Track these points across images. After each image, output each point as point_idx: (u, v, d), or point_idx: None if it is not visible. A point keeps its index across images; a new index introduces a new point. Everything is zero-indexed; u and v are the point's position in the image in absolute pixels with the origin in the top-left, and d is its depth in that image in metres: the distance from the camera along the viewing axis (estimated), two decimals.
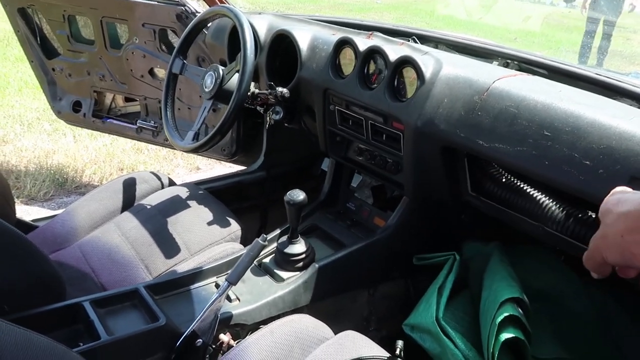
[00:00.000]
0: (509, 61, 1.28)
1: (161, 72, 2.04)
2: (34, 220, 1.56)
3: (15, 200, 2.37)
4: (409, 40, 1.39)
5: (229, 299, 1.13)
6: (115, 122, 2.23)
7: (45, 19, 2.09)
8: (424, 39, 1.43)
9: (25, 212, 2.33)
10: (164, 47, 1.97)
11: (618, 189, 0.63)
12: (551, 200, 1.01)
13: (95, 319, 0.99)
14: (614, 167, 0.81)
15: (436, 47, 1.41)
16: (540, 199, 1.02)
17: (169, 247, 1.34)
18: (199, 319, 1.01)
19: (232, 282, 1.05)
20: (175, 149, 1.94)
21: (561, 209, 0.98)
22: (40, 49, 2.16)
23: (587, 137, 0.86)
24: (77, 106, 2.25)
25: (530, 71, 1.23)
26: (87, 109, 2.23)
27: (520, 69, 1.25)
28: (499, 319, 0.90)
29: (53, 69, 2.21)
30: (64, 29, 2.08)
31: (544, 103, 0.93)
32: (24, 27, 2.12)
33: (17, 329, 0.65)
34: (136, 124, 2.17)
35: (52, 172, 2.68)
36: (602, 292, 1.13)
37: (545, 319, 1.06)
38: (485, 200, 1.13)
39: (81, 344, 0.93)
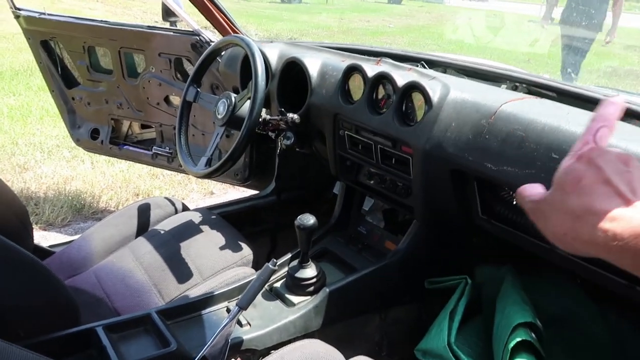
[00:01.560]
0: (517, 84, 1.28)
1: (176, 100, 2.09)
2: (51, 246, 1.60)
3: (34, 226, 2.43)
4: (417, 66, 1.41)
5: (240, 323, 1.14)
6: (131, 148, 2.28)
7: (66, 50, 2.17)
8: (432, 64, 1.45)
9: (43, 237, 2.38)
10: (179, 75, 2.02)
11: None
12: None
13: (107, 345, 1.00)
14: None
15: (444, 72, 1.42)
16: None
17: (182, 272, 1.35)
18: (209, 344, 1.02)
19: (243, 307, 1.06)
20: (189, 174, 1.98)
21: None
22: (61, 78, 2.24)
23: None
24: (95, 133, 2.31)
25: (539, 94, 1.23)
26: (104, 136, 2.28)
27: (530, 92, 1.25)
28: (512, 344, 0.89)
29: (73, 98, 2.28)
30: (83, 60, 2.15)
31: (552, 125, 0.93)
32: (46, 59, 2.20)
33: (31, 355, 0.66)
34: (152, 150, 2.22)
35: (70, 198, 2.73)
36: (617, 316, 1.11)
37: (560, 343, 1.04)
38: (496, 224, 1.12)
39: None
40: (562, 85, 1.21)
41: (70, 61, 2.21)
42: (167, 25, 2.01)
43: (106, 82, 2.16)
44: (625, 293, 0.92)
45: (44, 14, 2.08)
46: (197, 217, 1.54)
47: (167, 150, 2.19)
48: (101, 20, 2.06)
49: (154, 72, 2.05)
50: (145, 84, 2.08)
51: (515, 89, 1.28)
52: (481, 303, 1.20)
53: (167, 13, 1.92)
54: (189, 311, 1.17)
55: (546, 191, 0.51)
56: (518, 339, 0.90)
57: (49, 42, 2.17)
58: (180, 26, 2.02)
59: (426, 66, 1.43)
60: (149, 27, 2.00)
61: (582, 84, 1.40)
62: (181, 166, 2.09)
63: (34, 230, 1.43)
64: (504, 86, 1.29)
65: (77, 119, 2.34)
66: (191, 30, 1.89)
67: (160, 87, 2.07)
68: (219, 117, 1.41)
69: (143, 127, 2.34)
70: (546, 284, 1.21)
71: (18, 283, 0.96)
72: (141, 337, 1.08)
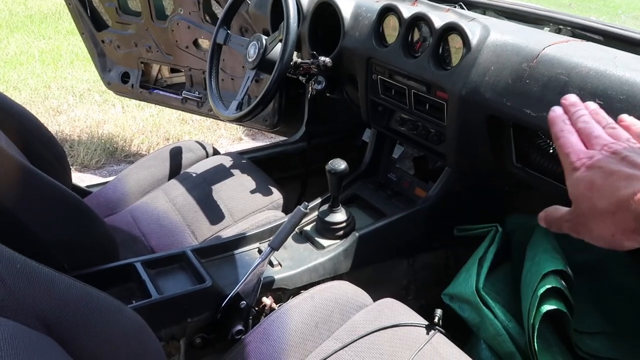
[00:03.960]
0: (561, 27, 1.22)
1: (205, 43, 2.06)
2: (87, 187, 1.65)
3: (70, 167, 2.50)
4: (455, 7, 1.35)
5: (271, 264, 1.17)
6: (161, 92, 2.27)
7: None
8: (471, 5, 1.38)
9: (79, 179, 2.45)
10: (207, 17, 1.98)
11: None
12: None
13: (146, 279, 1.05)
14: None
15: (484, 14, 1.36)
16: None
17: (214, 213, 1.38)
18: (242, 282, 1.05)
19: (275, 247, 1.08)
20: (219, 118, 1.98)
21: None
22: (91, 21, 2.21)
23: None
24: (125, 77, 2.30)
25: (585, 37, 1.17)
26: (134, 80, 2.28)
27: (574, 35, 1.19)
28: (541, 290, 0.90)
29: (102, 41, 2.26)
30: (112, 2, 2.12)
31: (597, 70, 0.89)
32: (75, 1, 2.18)
33: (79, 283, 0.70)
34: (181, 94, 2.21)
35: (102, 141, 2.79)
36: None
37: (590, 292, 1.04)
38: (530, 172, 1.10)
39: (134, 301, 0.99)
40: (609, 28, 1.15)
41: (99, 3, 2.18)
42: None
43: (135, 24, 2.14)
44: None
45: None
46: (228, 161, 1.56)
47: (197, 95, 2.18)
48: None
49: (182, 14, 2.01)
50: (173, 26, 2.05)
51: (559, 31, 1.22)
52: (510, 250, 1.20)
53: None
54: (222, 250, 1.20)
55: (568, 208, 0.52)
56: (548, 286, 0.90)
57: None
58: None
59: (465, 7, 1.36)
60: None
61: (630, 27, 1.32)
62: (211, 111, 2.11)
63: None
64: (546, 29, 1.23)
65: (107, 62, 2.34)
66: None
67: (189, 30, 2.03)
68: (250, 60, 1.39)
69: (172, 71, 2.32)
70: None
71: (61, 219, 1.00)
72: (177, 274, 1.12)
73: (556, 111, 0.57)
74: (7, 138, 1.12)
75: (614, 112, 0.84)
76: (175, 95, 2.24)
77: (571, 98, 0.58)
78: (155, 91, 2.28)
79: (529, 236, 1.15)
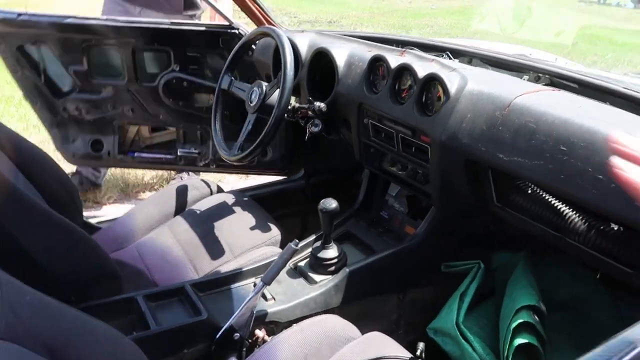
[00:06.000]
0: (540, 75, 1.30)
1: (202, 97, 2.00)
2: (99, 223, 1.74)
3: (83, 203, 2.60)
4: (442, 56, 1.44)
5: (265, 297, 1.23)
6: (146, 155, 2.10)
7: (56, 54, 1.89)
8: (458, 54, 1.48)
9: (92, 214, 2.55)
10: (209, 72, 1.94)
11: None
12: (574, 212, 1.03)
13: (146, 311, 1.12)
14: None
15: (470, 62, 1.45)
16: (563, 210, 1.05)
17: (215, 249, 1.46)
18: (236, 315, 1.12)
19: (267, 282, 1.15)
20: (215, 171, 1.97)
21: (583, 220, 1.01)
22: (47, 88, 1.96)
23: (601, 152, 0.88)
24: (97, 145, 2.07)
25: (561, 85, 1.25)
26: (110, 147, 2.06)
27: (552, 83, 1.27)
28: (514, 324, 0.95)
29: (64, 109, 2.00)
30: (80, 64, 1.91)
31: (562, 118, 0.96)
32: (25, 70, 1.91)
33: (84, 315, 0.78)
34: (174, 153, 2.08)
35: (115, 178, 2.91)
36: (629, 304, 1.13)
37: (568, 327, 1.08)
38: (510, 212, 1.16)
39: (134, 333, 1.06)
40: (583, 77, 1.22)
41: (60, 67, 1.92)
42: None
43: (111, 87, 1.95)
44: (631, 281, 0.96)
45: (23, 14, 1.79)
46: (230, 199, 1.65)
47: (194, 151, 2.06)
48: (111, 18, 1.84)
49: (178, 70, 1.93)
50: (168, 84, 1.93)
51: (537, 79, 1.30)
52: (495, 287, 1.25)
53: (189, 5, 1.88)
54: (219, 285, 1.27)
55: None
56: (520, 320, 0.95)
57: (29, 47, 1.88)
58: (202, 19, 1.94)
59: (451, 56, 1.46)
60: (173, 24, 1.86)
61: (608, 74, 1.40)
62: (207, 165, 2.07)
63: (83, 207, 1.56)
64: (526, 77, 1.31)
65: (69, 132, 2.05)
66: (217, 23, 1.90)
67: (184, 86, 1.94)
68: (251, 104, 1.50)
69: (153, 130, 2.17)
70: (560, 270, 1.25)
71: (70, 254, 1.09)
72: (176, 306, 1.19)
73: None
74: (25, 179, 1.22)
75: (577, 159, 0.92)
76: (166, 155, 2.09)
77: None
78: (137, 154, 2.09)
79: (512, 273, 1.20)
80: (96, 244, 1.17)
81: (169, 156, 2.09)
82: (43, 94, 1.96)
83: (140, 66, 1.92)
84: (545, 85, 1.26)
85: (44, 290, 0.69)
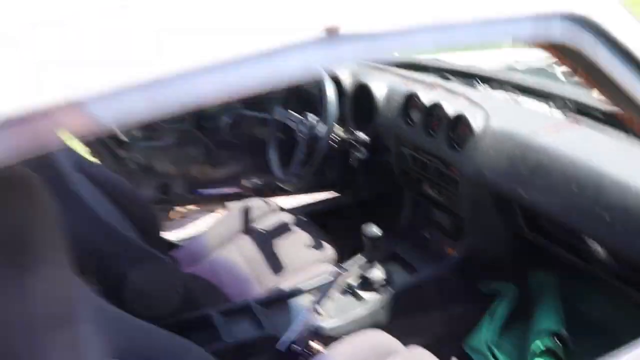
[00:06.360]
0: (566, 102, 1.36)
1: (258, 129, 2.08)
2: (177, 241, 2.00)
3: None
4: (473, 82, 1.53)
5: (318, 313, 1.42)
6: (212, 192, 2.18)
7: None
8: (489, 80, 1.56)
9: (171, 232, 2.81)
10: (263, 103, 1.97)
11: None
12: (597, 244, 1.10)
13: (220, 327, 1.34)
14: (630, 224, 0.93)
15: (501, 88, 1.53)
16: (586, 241, 1.12)
17: (275, 266, 1.66)
18: (294, 329, 1.31)
19: (319, 300, 1.34)
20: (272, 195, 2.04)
21: (605, 253, 1.08)
22: (110, 139, 2.04)
23: (609, 194, 0.97)
24: (164, 188, 2.16)
25: (587, 114, 1.30)
26: (179, 188, 2.15)
27: (579, 112, 1.33)
28: (534, 348, 1.05)
29: (129, 158, 2.10)
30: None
31: (575, 160, 1.05)
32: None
33: (165, 332, 1.00)
34: (240, 185, 2.16)
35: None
36: None
37: (593, 350, 1.15)
38: (542, 239, 1.25)
39: (208, 346, 1.28)
40: (610, 108, 1.27)
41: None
42: None
43: (175, 131, 2.03)
44: None
45: None
46: (288, 218, 1.84)
47: (258, 182, 2.16)
48: None
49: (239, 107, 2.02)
50: (232, 122, 2.04)
51: (563, 106, 1.36)
52: (530, 306, 1.34)
53: None
54: (279, 301, 1.47)
55: None
56: (539, 342, 1.06)
57: None
58: None
59: (480, 83, 1.54)
60: None
61: None
62: (272, 192, 2.13)
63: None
64: (552, 104, 1.37)
65: (136, 180, 2.11)
66: None
67: (245, 122, 2.05)
68: (301, 135, 1.68)
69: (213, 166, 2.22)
70: (594, 292, 1.31)
71: (150, 276, 1.30)
72: (244, 321, 1.40)
73: None
74: (113, 207, 1.45)
75: (585, 198, 1.01)
76: (231, 190, 2.17)
77: None
78: (205, 191, 2.17)
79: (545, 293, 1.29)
80: (174, 265, 1.38)
81: (235, 189, 2.19)
82: (107, 145, 2.05)
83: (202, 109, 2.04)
84: (571, 112, 1.32)
85: (131, 312, 0.90)
